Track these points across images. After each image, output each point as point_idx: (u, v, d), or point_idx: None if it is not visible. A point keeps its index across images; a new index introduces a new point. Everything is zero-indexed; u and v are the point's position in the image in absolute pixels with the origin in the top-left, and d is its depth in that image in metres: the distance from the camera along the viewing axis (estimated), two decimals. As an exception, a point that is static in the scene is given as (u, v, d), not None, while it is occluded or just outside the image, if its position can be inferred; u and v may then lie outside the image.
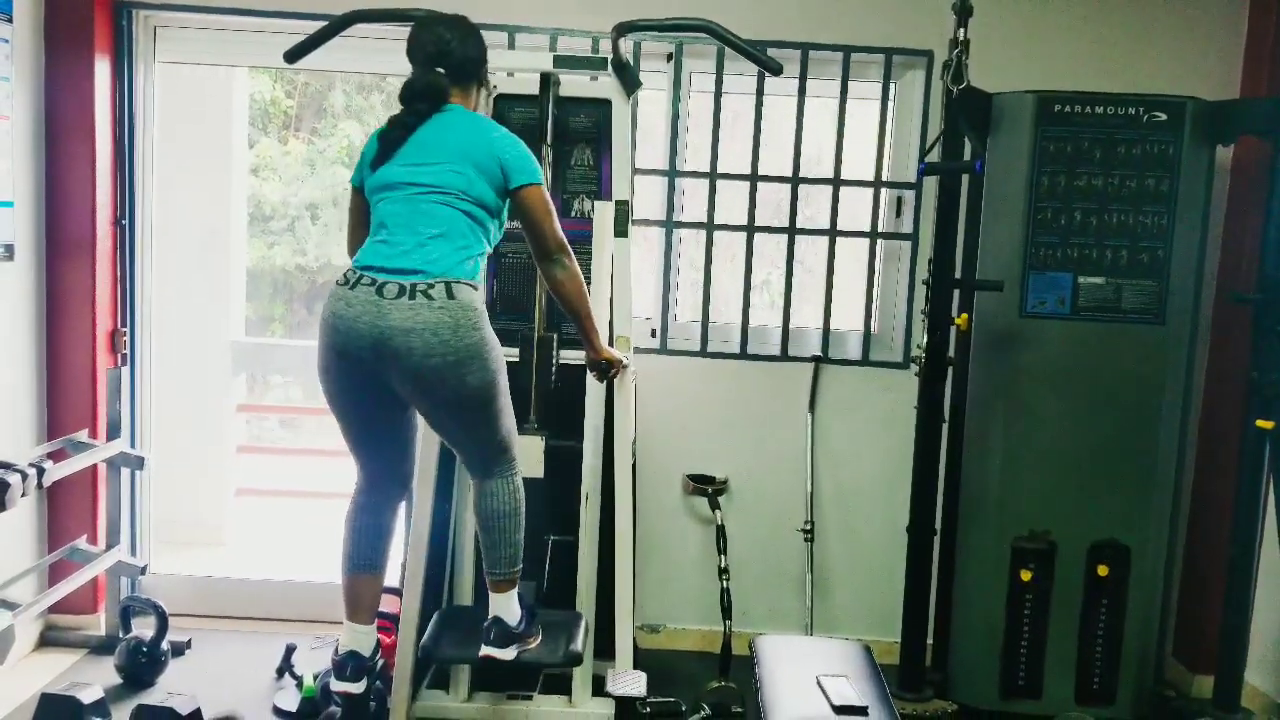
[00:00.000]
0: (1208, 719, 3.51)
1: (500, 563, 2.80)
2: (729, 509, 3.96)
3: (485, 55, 2.88)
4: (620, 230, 3.29)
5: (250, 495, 5.64)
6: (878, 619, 3.99)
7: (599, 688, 3.20)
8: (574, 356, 3.18)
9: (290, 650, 3.63)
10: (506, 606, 2.83)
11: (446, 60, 2.77)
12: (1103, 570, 3.49)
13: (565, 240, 2.79)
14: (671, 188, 3.96)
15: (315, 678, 3.43)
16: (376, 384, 2.64)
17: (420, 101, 2.75)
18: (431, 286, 2.55)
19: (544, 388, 3.17)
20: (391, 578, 3.52)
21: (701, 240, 4.00)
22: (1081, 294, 3.48)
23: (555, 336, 3.18)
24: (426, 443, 3.22)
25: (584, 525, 3.27)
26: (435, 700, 3.30)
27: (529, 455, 3.03)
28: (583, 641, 3.00)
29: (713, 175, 3.95)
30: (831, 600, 4.06)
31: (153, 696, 3.13)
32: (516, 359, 3.06)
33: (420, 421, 2.91)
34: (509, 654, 2.82)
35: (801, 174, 3.95)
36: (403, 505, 2.95)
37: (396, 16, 3.32)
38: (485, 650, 2.81)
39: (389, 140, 2.73)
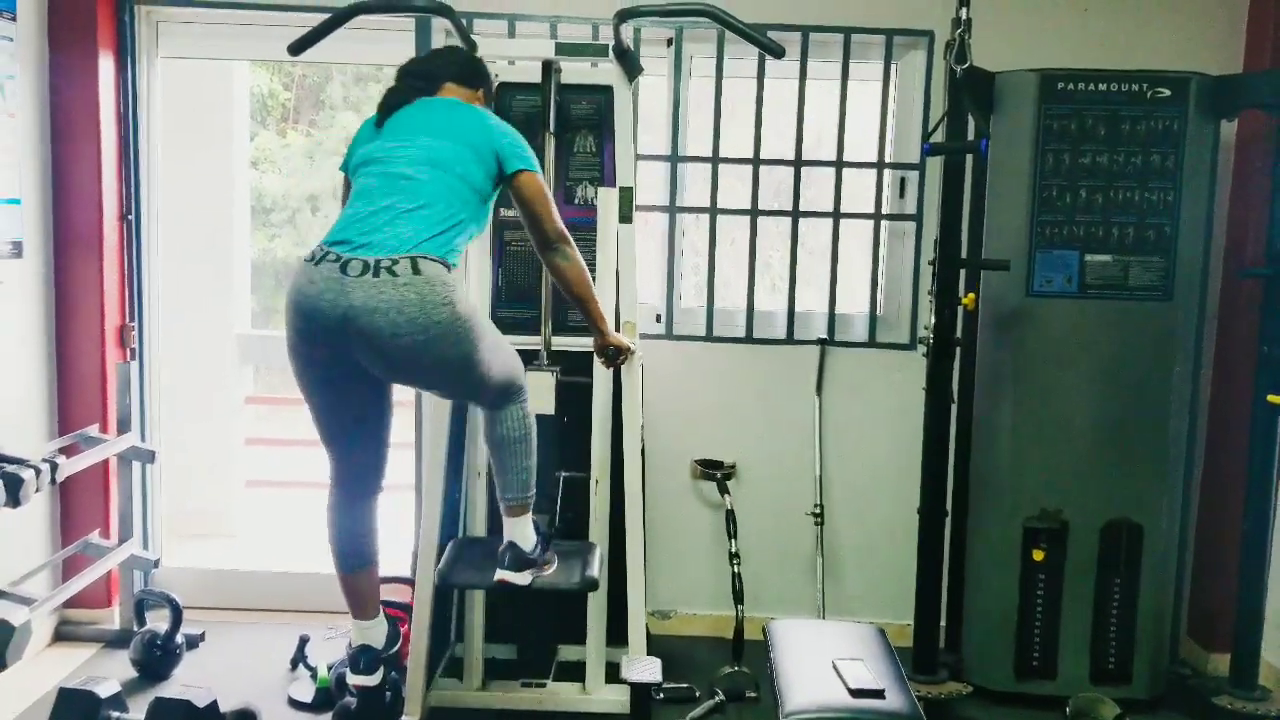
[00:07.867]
0: (1225, 697, 3.50)
1: (512, 487, 2.77)
2: (738, 493, 3.96)
3: (489, 77, 2.98)
4: (624, 216, 3.28)
5: (260, 486, 5.65)
6: (890, 602, 3.99)
7: (613, 675, 3.22)
8: (582, 344, 3.19)
9: (304, 641, 3.64)
10: (521, 532, 2.79)
11: (451, 55, 2.91)
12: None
13: (564, 229, 2.77)
14: (674, 173, 3.95)
15: (329, 668, 3.44)
16: (345, 365, 2.54)
17: (414, 78, 2.81)
18: (396, 263, 2.44)
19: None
20: (405, 567, 3.56)
21: (705, 225, 3.99)
22: (1088, 272, 3.47)
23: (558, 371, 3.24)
24: (436, 423, 3.23)
25: (594, 513, 3.28)
26: (450, 689, 3.33)
27: (540, 392, 3.01)
28: (598, 567, 2.98)
29: (715, 159, 3.94)
30: (843, 583, 4.06)
31: (169, 689, 3.14)
32: (524, 346, 3.06)
33: (428, 403, 2.90)
34: (524, 579, 2.80)
35: (804, 157, 3.94)
36: (379, 499, 2.86)
37: (398, 8, 3.33)
38: (500, 575, 2.79)
39: (377, 117, 2.75)
